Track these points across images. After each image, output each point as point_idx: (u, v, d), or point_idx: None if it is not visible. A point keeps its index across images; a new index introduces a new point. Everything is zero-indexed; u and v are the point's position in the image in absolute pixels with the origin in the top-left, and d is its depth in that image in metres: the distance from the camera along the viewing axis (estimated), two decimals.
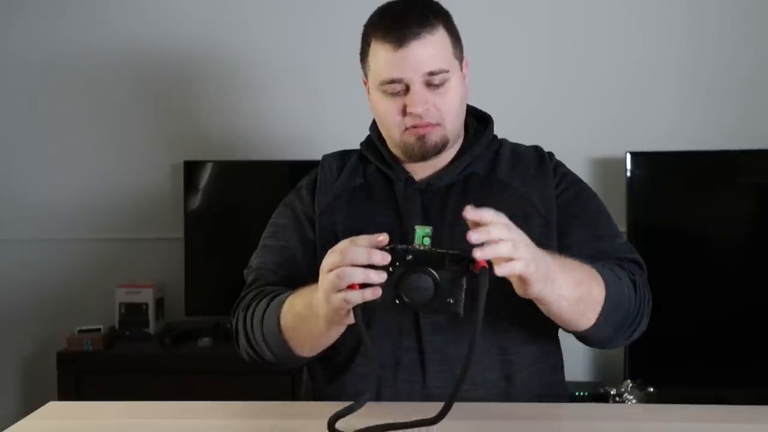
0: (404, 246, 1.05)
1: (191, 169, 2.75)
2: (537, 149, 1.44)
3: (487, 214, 1.04)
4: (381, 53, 1.30)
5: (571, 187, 1.39)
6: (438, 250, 1.04)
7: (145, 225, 2.86)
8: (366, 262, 1.04)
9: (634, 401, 2.31)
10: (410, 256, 1.03)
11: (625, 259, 1.34)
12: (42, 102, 2.88)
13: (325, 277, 1.08)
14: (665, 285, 2.56)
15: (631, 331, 1.29)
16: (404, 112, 1.30)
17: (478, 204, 1.34)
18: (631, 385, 2.36)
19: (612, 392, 2.37)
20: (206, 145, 2.84)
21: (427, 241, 1.05)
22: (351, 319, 1.10)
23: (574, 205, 1.37)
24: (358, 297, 1.05)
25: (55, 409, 1.30)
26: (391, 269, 1.03)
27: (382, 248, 1.04)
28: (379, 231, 1.33)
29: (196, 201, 2.75)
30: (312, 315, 1.16)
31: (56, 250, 2.87)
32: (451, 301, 1.03)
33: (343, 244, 1.08)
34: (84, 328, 2.62)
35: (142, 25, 2.85)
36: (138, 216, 2.86)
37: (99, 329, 2.62)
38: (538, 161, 1.41)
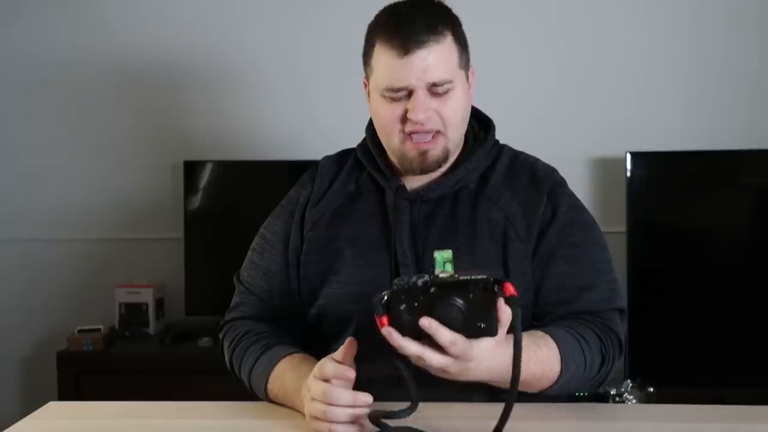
0: (426, 277, 1.02)
1: (191, 169, 2.75)
2: (534, 167, 1.38)
3: (443, 336, 1.01)
4: (385, 59, 1.26)
5: (567, 212, 1.34)
6: (461, 278, 1.01)
7: (145, 225, 2.86)
8: (350, 404, 1.07)
9: (634, 401, 2.31)
10: (433, 288, 1.00)
11: (604, 312, 1.30)
12: (42, 102, 2.88)
13: (312, 405, 1.10)
14: (665, 285, 2.58)
15: (592, 387, 1.30)
16: (405, 118, 1.27)
17: (463, 219, 1.31)
18: (631, 385, 2.36)
19: (612, 392, 2.37)
20: (206, 145, 2.84)
21: (449, 267, 1.02)
22: None
23: (564, 234, 1.32)
24: (342, 430, 1.08)
25: (55, 409, 1.30)
26: (416, 304, 1.01)
27: (398, 286, 1.01)
28: (367, 242, 1.33)
29: (196, 201, 2.75)
30: (298, 400, 1.17)
31: (56, 250, 2.87)
32: (482, 325, 1.02)
33: (317, 390, 1.09)
34: (84, 328, 2.62)
35: (142, 25, 2.85)
36: (138, 216, 2.86)
37: (99, 329, 2.62)
38: (530, 181, 1.36)
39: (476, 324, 1.01)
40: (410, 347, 1.01)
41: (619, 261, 2.51)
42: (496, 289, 1.00)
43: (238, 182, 2.79)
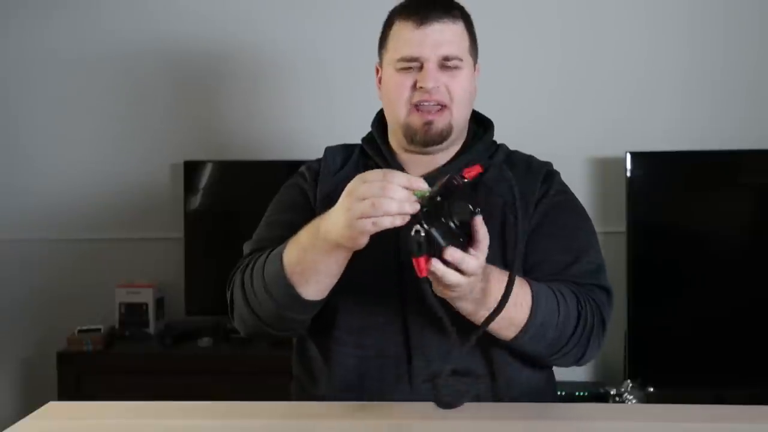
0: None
1: (191, 169, 2.75)
2: (530, 159, 1.43)
3: (484, 232, 1.09)
4: (402, 31, 1.34)
5: (556, 195, 1.38)
6: (446, 182, 1.07)
7: (145, 225, 2.86)
8: (403, 200, 1.06)
9: (634, 401, 2.31)
10: (439, 198, 1.06)
11: (587, 285, 1.31)
12: (41, 102, 2.88)
13: (357, 205, 1.09)
14: (665, 285, 2.58)
15: (570, 358, 1.29)
16: (414, 88, 1.33)
17: None
18: (631, 385, 2.36)
19: (612, 392, 2.37)
20: (206, 145, 2.84)
21: (419, 194, 1.07)
22: (364, 242, 1.13)
23: (552, 213, 1.36)
24: (388, 222, 1.07)
25: (55, 409, 1.30)
26: (442, 221, 1.05)
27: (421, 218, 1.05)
28: None
29: (196, 201, 2.76)
30: (318, 241, 1.18)
31: (56, 250, 2.87)
32: (478, 210, 1.09)
33: (376, 176, 1.09)
34: (84, 328, 2.62)
35: (140, 25, 2.85)
36: (138, 216, 2.86)
37: (99, 329, 2.62)
38: (526, 171, 1.40)
39: (474, 211, 1.08)
40: (452, 275, 1.06)
41: (619, 261, 2.52)
42: (464, 178, 1.08)
43: (238, 182, 2.79)
